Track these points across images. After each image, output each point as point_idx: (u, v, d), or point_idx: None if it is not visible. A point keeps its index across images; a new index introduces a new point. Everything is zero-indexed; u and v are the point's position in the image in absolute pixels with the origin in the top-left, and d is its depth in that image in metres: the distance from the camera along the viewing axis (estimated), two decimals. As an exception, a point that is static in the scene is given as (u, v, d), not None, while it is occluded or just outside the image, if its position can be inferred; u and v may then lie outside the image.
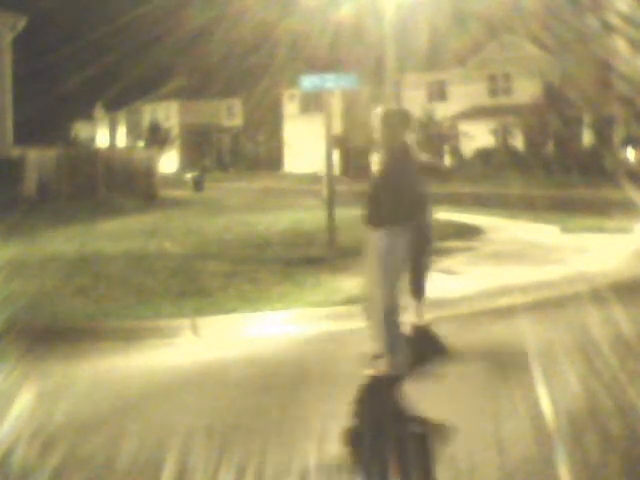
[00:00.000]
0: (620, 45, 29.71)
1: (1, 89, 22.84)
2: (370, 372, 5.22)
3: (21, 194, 21.55)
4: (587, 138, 36.35)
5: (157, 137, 54.69)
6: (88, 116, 67.38)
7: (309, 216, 15.69)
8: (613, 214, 14.23)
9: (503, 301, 7.73)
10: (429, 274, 6.59)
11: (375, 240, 5.26)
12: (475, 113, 40.22)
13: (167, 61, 51.28)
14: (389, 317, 5.18)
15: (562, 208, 17.33)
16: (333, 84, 10.12)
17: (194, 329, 6.81)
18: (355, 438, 4.26)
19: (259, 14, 32.68)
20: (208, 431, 4.34)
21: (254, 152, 53.24)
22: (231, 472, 3.81)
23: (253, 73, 47.76)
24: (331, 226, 10.56)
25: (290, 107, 50.67)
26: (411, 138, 5.73)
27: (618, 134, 35.27)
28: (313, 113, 43.66)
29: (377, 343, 5.27)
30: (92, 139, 65.54)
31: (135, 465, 3.90)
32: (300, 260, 10.11)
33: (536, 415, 4.46)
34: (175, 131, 57.58)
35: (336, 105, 42.99)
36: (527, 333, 6.24)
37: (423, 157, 6.48)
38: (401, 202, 5.25)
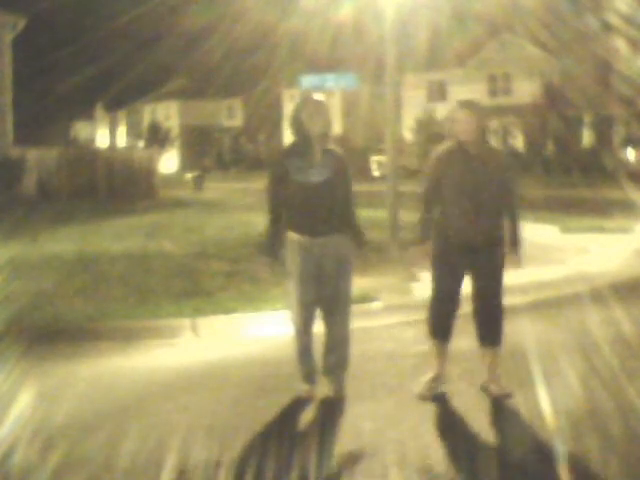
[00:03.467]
0: (620, 45, 29.72)
1: (1, 89, 22.85)
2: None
3: (21, 194, 21.57)
4: (587, 138, 36.37)
5: (157, 137, 54.72)
6: (88, 116, 67.39)
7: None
8: (613, 214, 14.23)
9: (503, 301, 7.71)
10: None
11: (340, 247, 4.83)
12: (475, 113, 40.14)
13: (167, 61, 51.31)
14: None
15: (562, 208, 17.32)
16: (333, 84, 10.15)
17: (194, 329, 6.81)
18: (354, 440, 4.26)
19: (259, 14, 32.69)
20: (208, 431, 4.34)
21: (254, 152, 53.24)
22: (231, 472, 3.81)
23: (253, 73, 47.82)
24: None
25: (290, 107, 50.67)
26: None
27: (618, 134, 35.28)
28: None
29: (343, 368, 4.89)
30: (92, 139, 65.57)
31: (135, 465, 3.90)
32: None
33: (536, 415, 4.46)
34: (175, 131, 57.61)
35: (336, 105, 43.02)
36: (527, 333, 6.24)
37: None
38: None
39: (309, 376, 4.86)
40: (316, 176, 4.70)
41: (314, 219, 4.73)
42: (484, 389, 4.92)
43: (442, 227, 4.91)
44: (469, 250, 4.84)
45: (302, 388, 4.85)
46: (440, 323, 4.97)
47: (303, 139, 4.75)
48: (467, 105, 4.86)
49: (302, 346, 4.87)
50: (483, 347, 5.02)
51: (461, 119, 4.79)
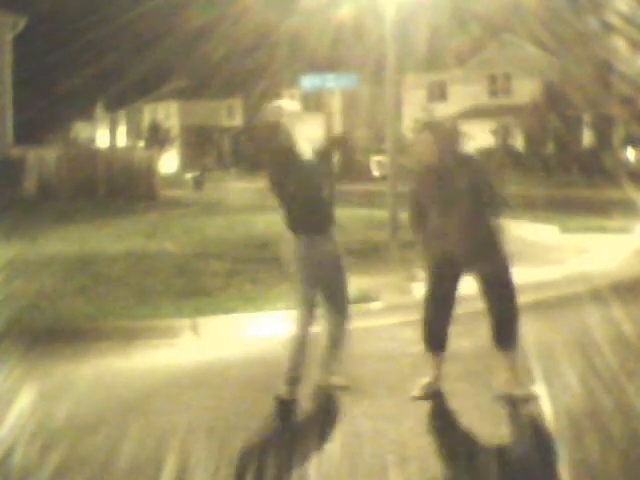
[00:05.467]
0: (620, 45, 29.71)
1: (1, 89, 22.86)
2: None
3: (21, 194, 21.58)
4: (587, 138, 36.34)
5: (157, 137, 54.69)
6: (88, 116, 67.35)
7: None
8: (613, 214, 14.22)
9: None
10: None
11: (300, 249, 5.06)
12: (475, 113, 40.21)
13: (167, 61, 51.30)
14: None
15: (562, 208, 17.31)
16: (333, 84, 10.14)
17: (194, 329, 6.81)
18: (352, 438, 4.26)
19: (259, 14, 32.67)
20: (208, 431, 4.34)
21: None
22: (231, 472, 3.82)
23: (253, 73, 47.76)
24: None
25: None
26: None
27: (618, 134, 35.25)
28: (313, 113, 43.68)
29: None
30: (92, 139, 65.53)
31: (135, 465, 3.90)
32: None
33: (535, 414, 4.46)
34: (175, 131, 57.57)
35: (336, 105, 43.02)
36: (527, 333, 6.23)
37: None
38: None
39: (294, 379, 4.82)
40: None
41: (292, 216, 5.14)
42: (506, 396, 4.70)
43: (434, 241, 4.85)
44: (465, 259, 4.80)
45: (283, 389, 4.77)
46: (431, 331, 4.88)
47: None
48: (427, 126, 4.78)
49: (298, 348, 4.97)
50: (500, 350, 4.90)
51: (421, 141, 4.71)
